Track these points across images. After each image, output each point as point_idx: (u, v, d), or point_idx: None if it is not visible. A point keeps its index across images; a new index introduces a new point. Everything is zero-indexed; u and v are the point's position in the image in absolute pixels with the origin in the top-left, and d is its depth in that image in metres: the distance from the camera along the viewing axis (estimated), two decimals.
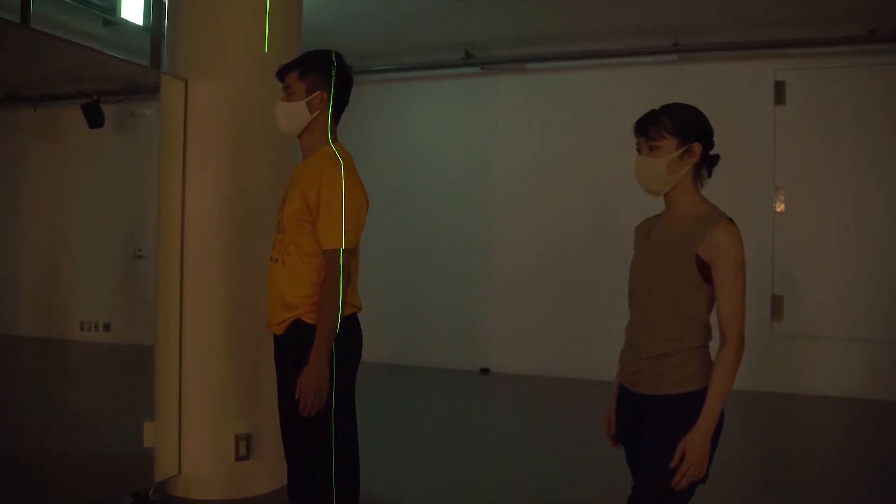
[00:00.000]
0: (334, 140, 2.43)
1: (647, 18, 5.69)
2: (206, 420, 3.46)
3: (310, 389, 2.24)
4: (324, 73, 2.36)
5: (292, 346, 2.37)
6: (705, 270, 1.92)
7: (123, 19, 4.83)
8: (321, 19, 5.14)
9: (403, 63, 6.62)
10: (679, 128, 1.98)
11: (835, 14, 5.41)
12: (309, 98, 2.36)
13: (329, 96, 2.37)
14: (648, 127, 1.99)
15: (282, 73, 2.41)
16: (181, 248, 3.38)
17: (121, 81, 3.28)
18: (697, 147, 2.02)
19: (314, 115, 2.37)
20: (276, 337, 2.46)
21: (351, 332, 2.38)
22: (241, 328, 3.45)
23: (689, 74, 6.12)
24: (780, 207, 6.01)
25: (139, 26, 4.85)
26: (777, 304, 5.93)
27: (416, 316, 6.86)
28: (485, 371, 6.67)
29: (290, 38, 3.49)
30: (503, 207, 6.72)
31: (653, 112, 2.02)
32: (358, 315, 2.44)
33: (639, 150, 2.03)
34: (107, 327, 4.32)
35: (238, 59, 3.38)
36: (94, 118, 3.30)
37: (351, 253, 2.33)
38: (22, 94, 3.04)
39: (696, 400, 1.90)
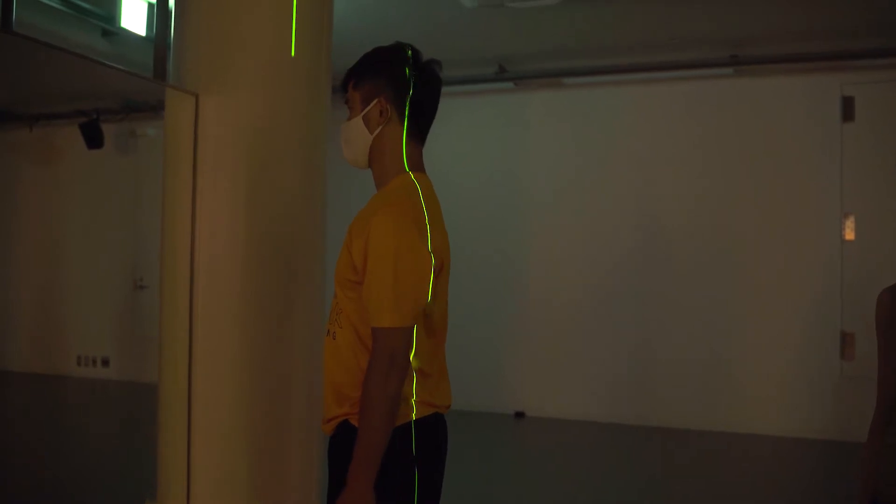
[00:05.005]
0: (414, 168, 1.88)
1: (698, 28, 5.60)
2: (223, 501, 3.08)
3: None
4: (385, 74, 1.86)
5: (340, 456, 1.81)
6: None
7: (124, 29, 4.71)
8: (347, 27, 5.14)
9: None
10: None
11: None
12: (365, 111, 1.87)
13: (395, 103, 1.85)
14: None
15: (343, 87, 1.95)
16: (191, 279, 3.12)
17: (121, 98, 3.24)
18: None
19: (376, 132, 1.87)
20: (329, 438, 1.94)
21: (425, 441, 1.82)
22: (266, 377, 3.08)
23: (745, 89, 6.01)
24: (849, 235, 5.84)
25: (142, 37, 4.77)
26: (847, 343, 5.73)
27: None
28: (520, 415, 6.53)
29: (320, 41, 3.26)
30: (539, 234, 6.63)
31: None
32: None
33: None
34: (105, 362, 4.32)
35: (258, 69, 3.12)
36: (94, 138, 3.31)
37: (431, 329, 1.80)
38: (16, 113, 3.03)
39: None
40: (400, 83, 1.85)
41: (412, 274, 1.74)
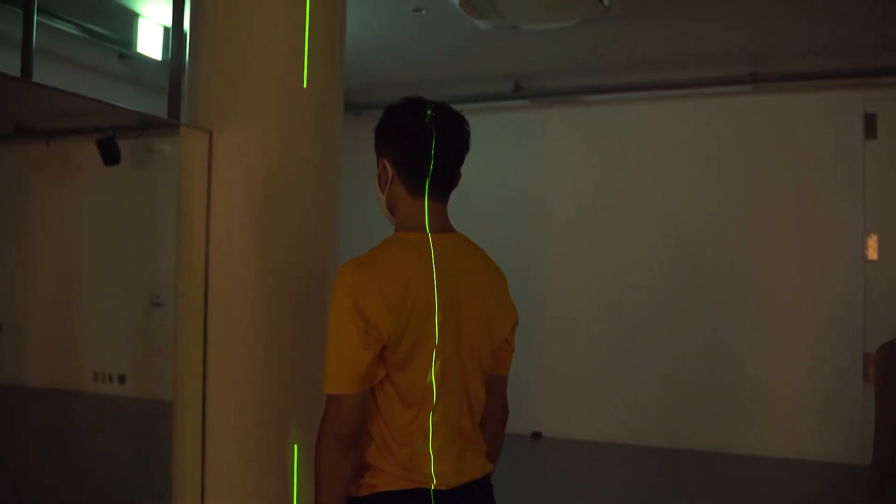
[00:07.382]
0: (433, 229, 1.83)
1: (717, 45, 5.60)
2: None
3: None
4: (385, 135, 1.84)
5: None
6: None
7: (140, 54, 4.82)
8: (363, 49, 5.19)
9: (447, 95, 6.63)
10: None
11: None
12: (378, 171, 1.85)
13: (394, 164, 1.81)
14: None
15: None
16: (205, 298, 3.13)
17: (137, 114, 3.27)
18: None
19: (385, 192, 1.85)
20: None
21: None
22: (279, 396, 3.09)
23: (765, 106, 6.00)
24: (872, 254, 5.78)
25: (157, 61, 4.86)
26: (870, 364, 5.65)
27: None
28: (536, 435, 6.50)
29: (332, 69, 3.27)
30: (557, 251, 6.62)
31: None
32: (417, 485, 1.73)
33: None
34: (122, 379, 4.32)
35: (271, 102, 3.13)
36: (111, 155, 3.34)
37: (405, 399, 1.72)
38: (33, 129, 3.09)
39: None
40: (397, 143, 1.81)
41: (347, 339, 1.65)
